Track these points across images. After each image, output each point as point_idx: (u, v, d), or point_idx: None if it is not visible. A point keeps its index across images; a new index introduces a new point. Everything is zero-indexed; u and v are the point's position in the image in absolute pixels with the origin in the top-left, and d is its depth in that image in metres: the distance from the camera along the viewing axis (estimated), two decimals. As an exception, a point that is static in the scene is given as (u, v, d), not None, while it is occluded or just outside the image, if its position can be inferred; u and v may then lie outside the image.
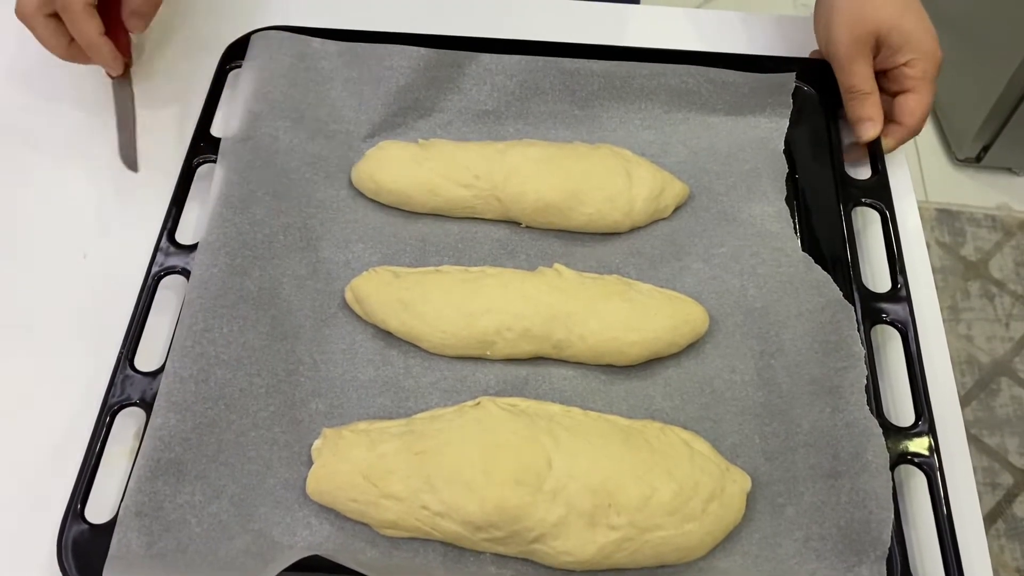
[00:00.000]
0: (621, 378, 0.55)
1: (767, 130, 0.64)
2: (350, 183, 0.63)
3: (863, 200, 0.61)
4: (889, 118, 0.63)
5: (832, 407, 0.52)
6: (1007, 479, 1.35)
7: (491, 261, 0.60)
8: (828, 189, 0.62)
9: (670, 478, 0.48)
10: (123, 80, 0.67)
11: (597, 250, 0.61)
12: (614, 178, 0.60)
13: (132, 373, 0.53)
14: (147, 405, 0.52)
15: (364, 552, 0.49)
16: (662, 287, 0.58)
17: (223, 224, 0.58)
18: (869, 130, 0.63)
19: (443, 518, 0.48)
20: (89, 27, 0.61)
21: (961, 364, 1.44)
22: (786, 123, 0.64)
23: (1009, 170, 1.72)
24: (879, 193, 0.61)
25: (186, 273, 0.57)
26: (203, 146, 0.63)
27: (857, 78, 0.62)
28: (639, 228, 0.62)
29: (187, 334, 0.53)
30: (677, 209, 0.62)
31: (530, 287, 0.56)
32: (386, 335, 0.56)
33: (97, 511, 0.49)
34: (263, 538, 0.49)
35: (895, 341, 0.55)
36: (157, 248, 0.58)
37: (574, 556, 0.47)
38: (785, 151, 0.63)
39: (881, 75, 0.64)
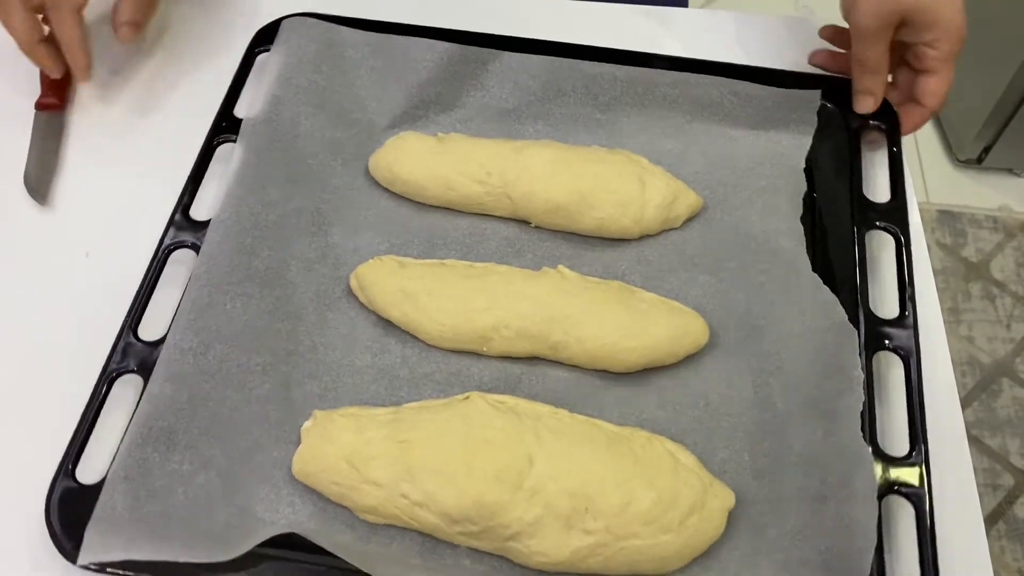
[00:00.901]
0: (616, 384, 0.55)
1: (788, 146, 0.64)
2: (366, 171, 0.64)
3: (877, 224, 0.60)
4: (909, 97, 0.64)
5: (825, 430, 0.51)
6: (1008, 480, 1.35)
7: (498, 258, 0.60)
8: (844, 210, 0.61)
9: (650, 487, 0.48)
10: (58, 112, 0.67)
11: (605, 255, 0.61)
12: (627, 184, 0.60)
13: (134, 341, 0.54)
14: (146, 373, 0.53)
15: (342, 535, 0.49)
16: (667, 297, 0.57)
17: (236, 203, 0.59)
18: (868, 104, 0.64)
19: (421, 508, 0.48)
20: (74, 30, 0.62)
21: (962, 365, 1.44)
22: (809, 141, 0.63)
23: (1010, 171, 1.72)
24: (895, 217, 0.60)
25: (196, 248, 0.58)
26: (225, 126, 0.64)
27: (871, 53, 0.62)
28: (649, 236, 0.61)
29: (191, 307, 0.54)
30: (689, 220, 0.62)
31: (532, 287, 0.56)
32: (386, 324, 0.57)
33: (88, 473, 0.50)
34: (246, 512, 0.50)
35: (897, 369, 0.54)
36: (171, 222, 0.59)
37: (548, 557, 0.47)
38: (804, 168, 0.62)
39: (902, 47, 0.63)
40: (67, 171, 0.65)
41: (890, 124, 0.65)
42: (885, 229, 0.60)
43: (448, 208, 0.63)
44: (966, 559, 0.50)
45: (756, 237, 0.60)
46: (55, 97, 0.67)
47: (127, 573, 0.46)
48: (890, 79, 0.66)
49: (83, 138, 0.67)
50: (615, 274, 0.59)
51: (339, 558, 0.45)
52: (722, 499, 0.49)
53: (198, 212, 0.60)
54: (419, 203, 0.63)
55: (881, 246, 0.61)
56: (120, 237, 0.61)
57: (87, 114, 0.68)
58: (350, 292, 0.58)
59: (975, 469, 0.54)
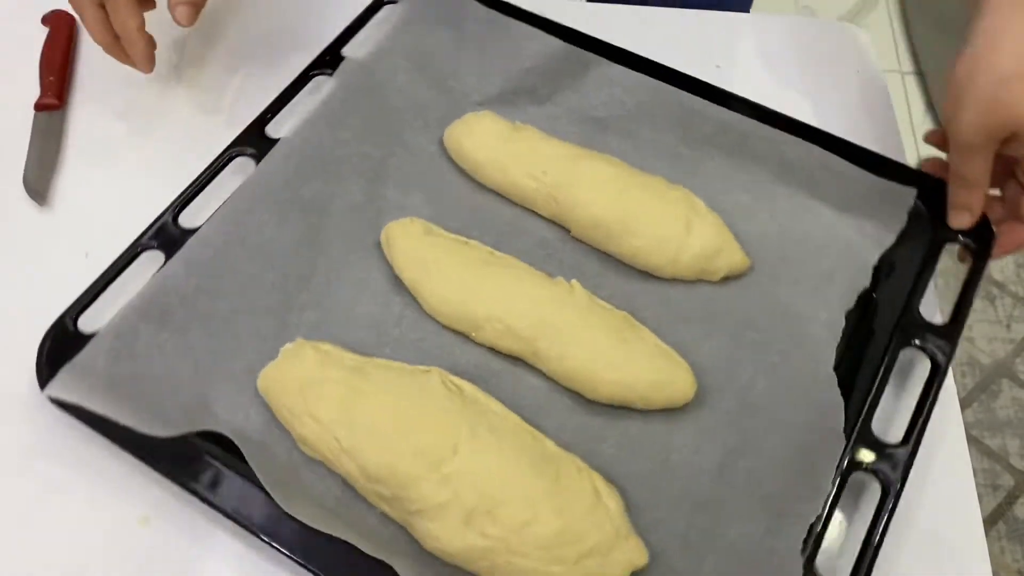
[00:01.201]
0: (585, 410, 0.54)
1: (866, 239, 0.60)
2: (442, 139, 0.65)
3: (917, 343, 0.55)
4: (1013, 214, 0.58)
5: (767, 529, 0.49)
6: (1008, 481, 1.35)
7: (526, 256, 0.60)
8: (890, 319, 0.56)
9: (558, 515, 0.47)
10: (57, 112, 0.67)
11: (630, 285, 0.60)
12: (671, 222, 0.59)
13: (171, 224, 0.59)
14: (170, 256, 0.57)
15: (273, 459, 0.52)
16: (674, 347, 0.56)
17: (310, 130, 0.62)
18: (964, 221, 0.59)
19: (347, 456, 0.50)
20: (130, 20, 0.60)
21: (962, 366, 1.45)
22: (891, 240, 0.59)
23: None
24: (942, 345, 0.55)
25: (257, 160, 0.62)
26: (328, 60, 0.68)
27: (972, 167, 0.56)
28: (682, 280, 0.59)
29: (230, 209, 0.59)
30: (729, 277, 0.60)
31: (537, 290, 0.56)
32: (398, 282, 0.59)
33: (89, 325, 0.55)
34: (203, 406, 0.53)
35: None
36: (246, 131, 0.63)
37: (440, 544, 0.48)
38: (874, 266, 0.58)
39: (1010, 160, 0.57)
40: (66, 171, 0.65)
41: (981, 244, 0.59)
42: (924, 350, 0.55)
43: (501, 195, 0.63)
44: (966, 559, 0.49)
45: (790, 317, 0.57)
46: (54, 97, 0.67)
47: (78, 420, 0.51)
48: (996, 192, 0.60)
49: (82, 138, 0.67)
50: (632, 307, 0.58)
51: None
52: (631, 556, 0.48)
53: (274, 131, 0.64)
54: (477, 183, 0.64)
55: (915, 364, 0.56)
56: (120, 237, 0.59)
57: (86, 114, 0.69)
58: (379, 243, 0.60)
59: (975, 470, 0.54)
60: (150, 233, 0.58)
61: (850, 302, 0.57)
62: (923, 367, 0.55)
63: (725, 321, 0.58)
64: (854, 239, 0.60)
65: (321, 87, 0.66)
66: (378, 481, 0.49)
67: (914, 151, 1.71)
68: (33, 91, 0.68)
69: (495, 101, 0.68)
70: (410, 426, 0.49)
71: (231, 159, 0.62)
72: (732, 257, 0.59)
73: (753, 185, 0.63)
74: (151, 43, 0.62)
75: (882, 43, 1.92)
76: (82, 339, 0.54)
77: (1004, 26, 0.53)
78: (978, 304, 1.53)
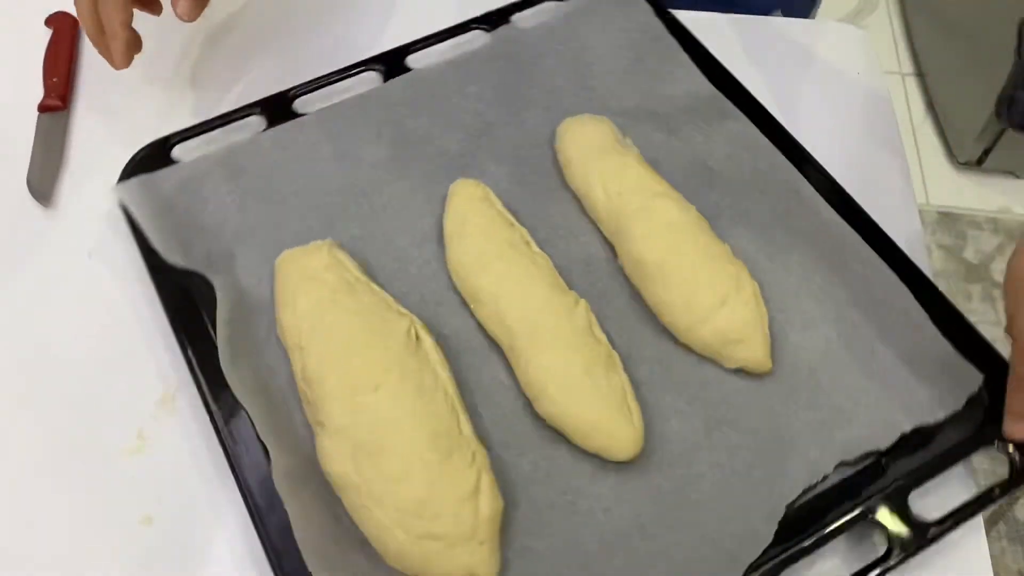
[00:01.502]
0: (530, 420, 0.53)
1: (909, 406, 0.53)
2: (556, 129, 0.66)
3: (884, 526, 0.50)
4: None
5: None
6: None
7: (565, 262, 0.59)
8: (877, 487, 0.51)
9: (426, 487, 0.47)
10: (60, 114, 0.68)
11: (643, 332, 0.57)
12: (707, 291, 0.56)
13: (286, 100, 0.66)
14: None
15: (253, 328, 0.56)
16: (654, 409, 0.53)
17: (445, 71, 0.68)
18: (1018, 431, 0.51)
19: (300, 351, 0.53)
20: (115, 13, 0.59)
21: None
22: (936, 418, 0.53)
23: (1011, 173, 1.73)
24: (906, 542, 0.49)
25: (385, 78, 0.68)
26: (494, 19, 0.71)
27: None
28: (692, 350, 0.56)
29: (337, 109, 0.66)
30: (742, 370, 0.55)
31: (543, 292, 0.55)
32: (442, 233, 0.60)
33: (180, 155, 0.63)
34: (228, 258, 0.59)
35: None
36: (386, 53, 0.69)
37: (323, 461, 0.50)
38: (903, 435, 0.52)
39: None
40: (70, 172, 0.66)
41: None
42: (887, 536, 0.49)
43: (579, 198, 0.63)
44: (966, 560, 0.49)
45: (778, 439, 0.53)
46: (58, 99, 0.68)
47: (122, 223, 0.60)
48: None
49: (86, 140, 0.68)
50: (631, 352, 0.56)
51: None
52: (476, 561, 0.47)
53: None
54: (563, 179, 0.64)
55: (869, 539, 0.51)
56: (123, 238, 0.60)
57: (90, 116, 0.69)
58: (446, 195, 0.62)
59: (975, 470, 0.53)
60: (263, 104, 0.65)
61: (852, 454, 0.52)
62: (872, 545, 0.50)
63: (712, 409, 0.54)
64: (896, 400, 0.54)
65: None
66: (308, 384, 0.52)
67: (914, 151, 1.73)
68: (37, 93, 0.69)
69: (626, 114, 0.67)
70: (353, 350, 0.52)
71: (364, 71, 0.68)
72: (753, 352, 0.55)
73: (825, 297, 0.58)
74: (133, 42, 0.61)
75: (882, 44, 1.93)
76: (168, 162, 0.62)
77: None
78: (978, 305, 1.55)
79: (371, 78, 0.68)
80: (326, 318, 0.53)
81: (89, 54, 0.72)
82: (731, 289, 0.56)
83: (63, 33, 0.72)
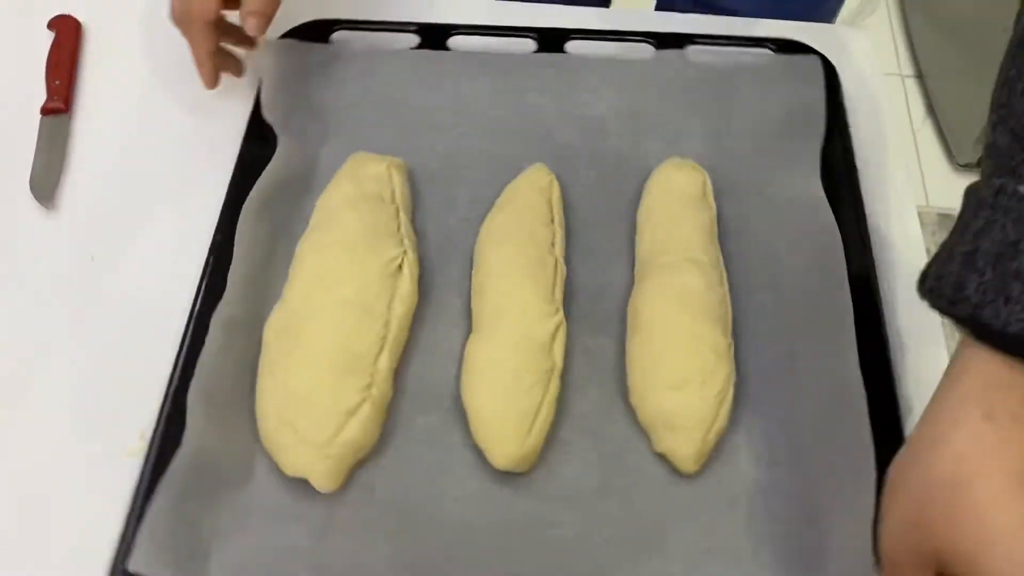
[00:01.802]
0: (450, 390, 0.55)
1: None
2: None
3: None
4: None
5: None
6: None
7: (585, 280, 0.60)
8: None
9: (312, 386, 0.51)
10: (63, 117, 0.68)
11: (610, 372, 0.56)
12: (673, 365, 0.53)
13: None
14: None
15: (289, 206, 0.62)
16: (562, 441, 0.53)
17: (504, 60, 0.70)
18: None
19: (309, 231, 0.59)
20: (202, 45, 0.62)
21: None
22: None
23: None
24: None
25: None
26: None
27: None
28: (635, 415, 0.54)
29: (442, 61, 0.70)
30: (664, 458, 0.53)
31: (530, 293, 0.55)
32: (490, 200, 0.62)
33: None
34: (316, 139, 0.66)
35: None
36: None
37: (267, 323, 0.55)
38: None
39: None
40: (72, 175, 0.66)
41: None
42: None
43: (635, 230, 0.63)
44: None
45: (650, 540, 0.50)
46: (61, 102, 0.68)
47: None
48: None
49: (88, 142, 0.68)
50: (586, 390, 0.55)
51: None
52: (317, 470, 0.50)
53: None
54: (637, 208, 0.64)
55: None
56: (125, 241, 0.61)
57: (92, 118, 0.69)
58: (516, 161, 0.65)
59: None
60: (421, 28, 0.71)
61: None
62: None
63: (615, 475, 0.52)
64: None
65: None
66: (294, 260, 0.58)
67: (914, 153, 1.73)
68: (39, 95, 0.69)
69: (727, 179, 0.64)
70: (336, 249, 0.56)
71: (523, 36, 0.71)
72: (681, 447, 0.51)
73: (796, 451, 0.53)
74: (218, 67, 0.65)
75: (882, 46, 1.92)
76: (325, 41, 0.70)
77: (944, 434, 0.41)
78: (974, 302, 1.54)
79: (524, 44, 0.70)
80: (338, 215, 0.58)
81: (92, 56, 0.72)
82: (697, 378, 0.52)
83: (66, 36, 0.72)
